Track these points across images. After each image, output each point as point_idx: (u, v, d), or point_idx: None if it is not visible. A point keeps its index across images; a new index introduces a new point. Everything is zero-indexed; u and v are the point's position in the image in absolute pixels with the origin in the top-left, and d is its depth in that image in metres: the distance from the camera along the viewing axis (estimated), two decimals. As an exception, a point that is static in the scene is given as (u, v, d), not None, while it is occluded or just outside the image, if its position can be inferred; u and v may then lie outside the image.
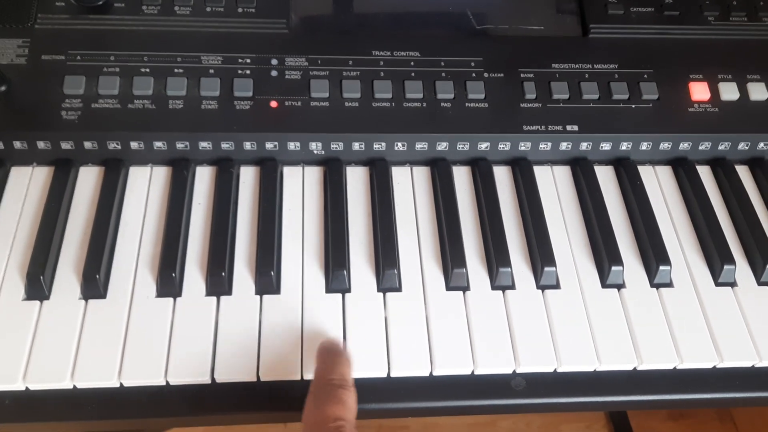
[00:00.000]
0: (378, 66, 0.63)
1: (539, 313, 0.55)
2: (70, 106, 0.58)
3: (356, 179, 0.62)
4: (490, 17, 0.67)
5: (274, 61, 0.62)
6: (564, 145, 0.63)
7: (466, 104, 0.62)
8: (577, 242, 0.60)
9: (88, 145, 0.59)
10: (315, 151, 0.61)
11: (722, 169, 0.65)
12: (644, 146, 0.64)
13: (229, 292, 0.54)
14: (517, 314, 0.55)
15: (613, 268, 0.57)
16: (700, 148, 0.64)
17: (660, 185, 0.64)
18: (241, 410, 0.51)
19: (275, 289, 0.55)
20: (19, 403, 0.50)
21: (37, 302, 0.53)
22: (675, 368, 0.54)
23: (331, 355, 0.49)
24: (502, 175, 0.63)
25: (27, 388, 0.50)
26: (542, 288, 0.57)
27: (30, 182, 0.59)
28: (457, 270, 0.56)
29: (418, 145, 0.62)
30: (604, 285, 0.57)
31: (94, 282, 0.53)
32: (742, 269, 0.59)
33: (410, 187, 0.62)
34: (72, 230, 0.57)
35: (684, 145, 0.64)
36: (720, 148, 0.65)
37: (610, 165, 0.65)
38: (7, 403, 0.50)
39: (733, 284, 0.58)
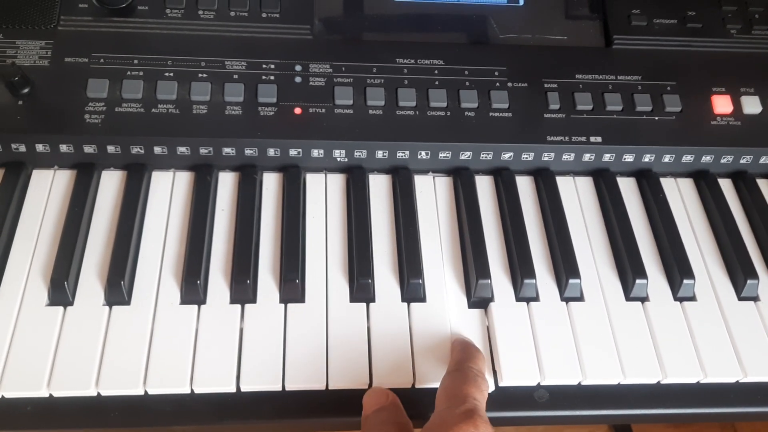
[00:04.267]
0: (402, 74, 0.63)
1: (563, 325, 0.55)
2: (94, 110, 0.58)
3: (379, 187, 0.62)
4: (513, 27, 0.67)
5: (298, 68, 0.62)
6: (587, 156, 0.63)
7: (490, 114, 0.62)
8: (600, 254, 0.60)
9: (111, 149, 0.58)
10: (338, 159, 0.61)
11: (744, 182, 0.65)
12: (667, 158, 0.64)
13: (253, 300, 0.54)
14: (542, 326, 0.55)
15: (638, 281, 0.57)
16: (722, 161, 0.64)
17: (682, 198, 0.64)
18: (267, 419, 0.50)
19: (300, 297, 0.54)
20: (41, 410, 0.49)
21: (61, 308, 0.52)
22: (698, 382, 0.54)
23: (471, 347, 0.52)
24: (524, 185, 0.63)
25: (51, 395, 0.49)
26: (566, 300, 0.57)
27: (52, 186, 0.59)
28: (481, 281, 0.56)
29: (442, 154, 0.61)
30: (627, 298, 0.57)
31: (119, 288, 0.52)
32: (764, 283, 0.59)
33: (433, 196, 0.62)
34: (95, 235, 0.56)
35: (706, 158, 0.64)
36: (742, 161, 0.65)
37: (632, 177, 0.65)
38: (29, 409, 0.49)
39: (756, 299, 0.58)
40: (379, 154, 0.61)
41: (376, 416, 0.48)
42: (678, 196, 0.64)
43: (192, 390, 0.50)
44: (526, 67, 0.64)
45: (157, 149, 0.59)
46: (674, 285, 0.58)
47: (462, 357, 0.50)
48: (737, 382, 0.55)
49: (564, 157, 0.63)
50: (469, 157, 0.62)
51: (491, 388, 0.52)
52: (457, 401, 0.46)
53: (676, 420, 0.56)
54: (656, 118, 0.63)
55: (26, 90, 0.58)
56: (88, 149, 0.58)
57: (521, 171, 0.64)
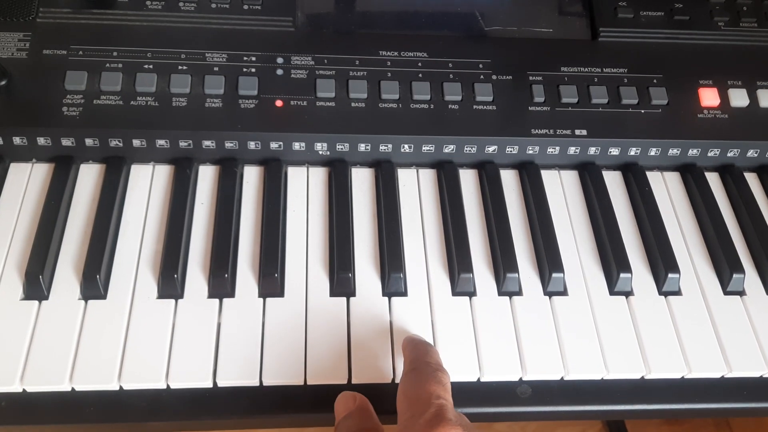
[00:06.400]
0: (385, 66, 0.62)
1: (546, 319, 0.55)
2: (72, 102, 0.57)
3: (361, 181, 0.61)
4: (498, 19, 0.66)
5: (280, 60, 0.61)
6: (572, 150, 0.62)
7: (474, 106, 0.61)
8: (584, 248, 0.59)
9: (89, 142, 0.58)
10: (320, 152, 0.60)
11: (731, 176, 0.64)
12: (653, 152, 0.63)
13: (231, 294, 0.53)
14: (524, 320, 0.54)
15: (622, 275, 0.56)
16: (709, 154, 0.64)
17: (668, 192, 0.64)
18: (244, 415, 0.50)
19: (279, 291, 0.54)
20: (16, 405, 0.49)
21: (36, 302, 0.51)
22: (683, 377, 0.54)
23: (422, 343, 0.50)
24: (509, 179, 0.63)
25: (24, 390, 0.49)
26: (550, 294, 0.56)
27: (29, 179, 0.58)
28: (463, 275, 0.55)
29: (425, 147, 0.61)
30: (612, 292, 0.57)
31: (95, 282, 0.52)
32: (750, 278, 0.59)
33: (416, 190, 0.61)
34: (72, 229, 0.56)
35: (693, 152, 0.63)
36: (729, 154, 0.64)
37: (618, 170, 0.65)
38: (3, 405, 0.49)
39: (741, 293, 0.58)
40: (362, 147, 0.60)
41: (344, 424, 0.46)
42: (664, 189, 0.64)
43: (168, 385, 0.49)
44: (510, 60, 0.64)
45: (136, 142, 0.58)
46: (659, 279, 0.57)
47: (415, 355, 0.49)
48: (722, 377, 0.54)
49: (549, 150, 0.62)
50: (452, 150, 0.61)
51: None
52: (420, 406, 0.43)
53: (661, 416, 0.55)
54: (642, 111, 0.63)
55: (3, 82, 0.57)
56: (66, 142, 0.57)
57: (506, 165, 0.63)
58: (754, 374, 0.54)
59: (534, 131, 0.61)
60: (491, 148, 0.61)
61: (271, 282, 0.53)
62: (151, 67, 0.59)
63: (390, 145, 0.60)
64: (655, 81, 0.64)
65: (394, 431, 0.45)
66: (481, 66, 0.63)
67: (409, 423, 0.43)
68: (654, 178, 0.64)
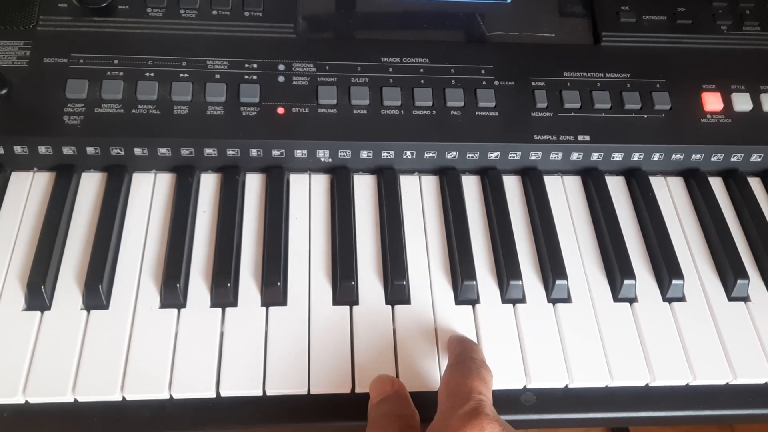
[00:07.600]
0: (387, 72, 0.62)
1: (550, 327, 0.54)
2: (73, 111, 0.57)
3: (364, 188, 0.61)
4: (500, 24, 0.66)
5: (282, 67, 0.61)
6: (575, 155, 0.62)
7: (477, 112, 0.61)
8: (588, 255, 0.59)
9: (90, 150, 0.57)
10: (322, 159, 0.60)
11: (734, 180, 0.64)
12: (656, 157, 0.63)
13: (234, 303, 0.53)
14: (528, 328, 0.54)
15: (626, 281, 0.56)
16: (713, 159, 0.64)
17: (672, 197, 0.63)
18: (247, 425, 0.49)
19: (282, 300, 0.53)
20: (19, 416, 0.48)
21: (38, 312, 0.51)
22: (687, 385, 0.53)
23: (468, 340, 0.51)
24: (512, 185, 0.63)
25: (27, 401, 0.48)
26: (553, 301, 0.56)
27: (30, 188, 0.58)
28: (467, 282, 0.55)
29: (427, 154, 0.60)
30: (615, 299, 0.56)
31: (97, 292, 0.52)
32: (754, 284, 0.58)
33: (419, 196, 0.61)
34: (73, 238, 0.55)
35: (696, 156, 0.63)
36: (732, 159, 0.64)
37: (622, 176, 0.64)
38: (6, 416, 0.48)
39: (746, 299, 0.58)
40: (364, 154, 0.60)
41: (379, 407, 0.47)
42: (668, 194, 0.63)
43: (171, 396, 0.49)
44: (513, 66, 0.63)
45: (138, 150, 0.58)
46: (663, 285, 0.57)
47: (461, 350, 0.50)
48: (727, 384, 0.54)
49: (551, 156, 0.62)
50: (455, 156, 0.61)
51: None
52: (460, 399, 0.44)
53: (666, 423, 0.55)
54: (645, 116, 0.62)
55: (4, 91, 0.57)
56: (67, 151, 0.57)
57: (508, 170, 0.63)
58: (759, 381, 0.54)
59: (537, 137, 0.61)
60: (494, 154, 0.61)
61: (274, 291, 0.53)
62: (152, 74, 0.59)
63: (392, 152, 0.60)
64: (658, 86, 0.64)
65: (431, 423, 0.45)
66: (483, 72, 0.63)
67: (448, 414, 0.43)
68: (657, 183, 0.64)
